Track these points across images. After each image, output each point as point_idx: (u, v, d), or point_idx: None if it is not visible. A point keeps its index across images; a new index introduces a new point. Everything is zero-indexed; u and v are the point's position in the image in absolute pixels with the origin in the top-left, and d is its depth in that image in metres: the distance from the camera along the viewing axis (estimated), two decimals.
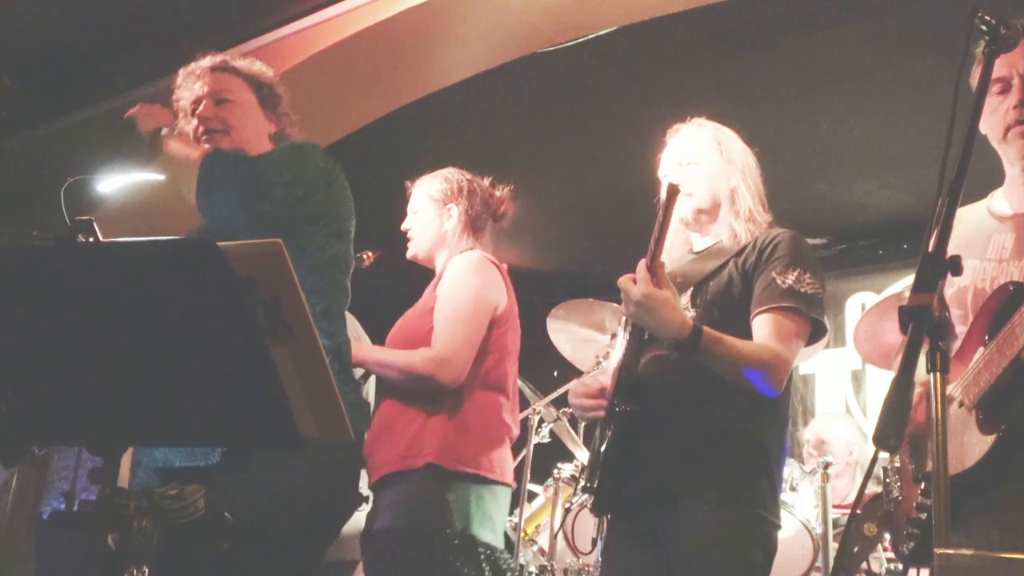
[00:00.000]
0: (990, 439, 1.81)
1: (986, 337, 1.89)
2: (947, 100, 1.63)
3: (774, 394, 2.23)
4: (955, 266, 1.54)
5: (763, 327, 2.24)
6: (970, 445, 1.84)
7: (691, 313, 2.32)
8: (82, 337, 1.48)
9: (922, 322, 1.47)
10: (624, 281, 2.21)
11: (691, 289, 2.37)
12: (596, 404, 2.33)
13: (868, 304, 5.88)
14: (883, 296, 5.75)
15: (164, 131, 2.38)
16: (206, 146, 2.36)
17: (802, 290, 2.24)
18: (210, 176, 2.23)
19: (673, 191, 2.23)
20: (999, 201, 2.11)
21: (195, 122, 2.45)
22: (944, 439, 1.43)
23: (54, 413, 1.59)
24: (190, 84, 2.48)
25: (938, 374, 1.47)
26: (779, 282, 2.25)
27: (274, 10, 4.63)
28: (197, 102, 2.46)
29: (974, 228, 2.08)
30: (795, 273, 2.25)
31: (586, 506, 2.48)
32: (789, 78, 4.74)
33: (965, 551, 1.42)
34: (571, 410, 2.50)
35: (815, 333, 2.30)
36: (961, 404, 1.90)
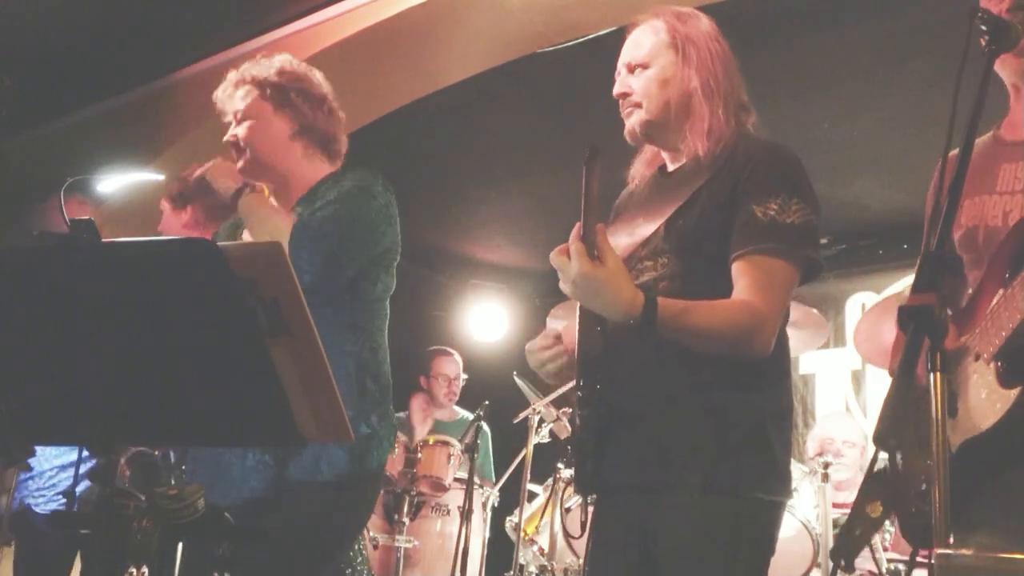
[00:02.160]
0: (1012, 393, 1.60)
1: (1007, 277, 1.68)
2: (947, 100, 1.62)
3: (761, 354, 1.90)
4: (956, 266, 1.54)
5: (742, 276, 1.89)
6: (988, 403, 1.64)
7: (662, 260, 2.00)
8: (82, 337, 1.48)
9: (922, 322, 1.45)
10: (556, 257, 1.85)
11: (663, 224, 2.02)
12: (554, 353, 2.05)
13: (868, 304, 5.88)
14: (883, 296, 5.75)
15: (246, 191, 2.41)
16: (281, 208, 2.41)
17: (788, 221, 1.87)
18: (298, 250, 2.21)
19: (593, 153, 1.84)
20: (1008, 128, 1.89)
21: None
22: (944, 439, 1.42)
23: (54, 413, 1.59)
24: (224, 101, 2.50)
25: (938, 374, 1.44)
26: (759, 215, 1.88)
27: (274, 10, 4.63)
28: (229, 124, 2.49)
29: (978, 161, 1.74)
30: (778, 200, 1.88)
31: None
32: (789, 78, 4.74)
33: (965, 551, 1.42)
34: (532, 365, 2.28)
35: (810, 270, 1.94)
36: (978, 357, 1.69)
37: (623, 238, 2.05)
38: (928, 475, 1.69)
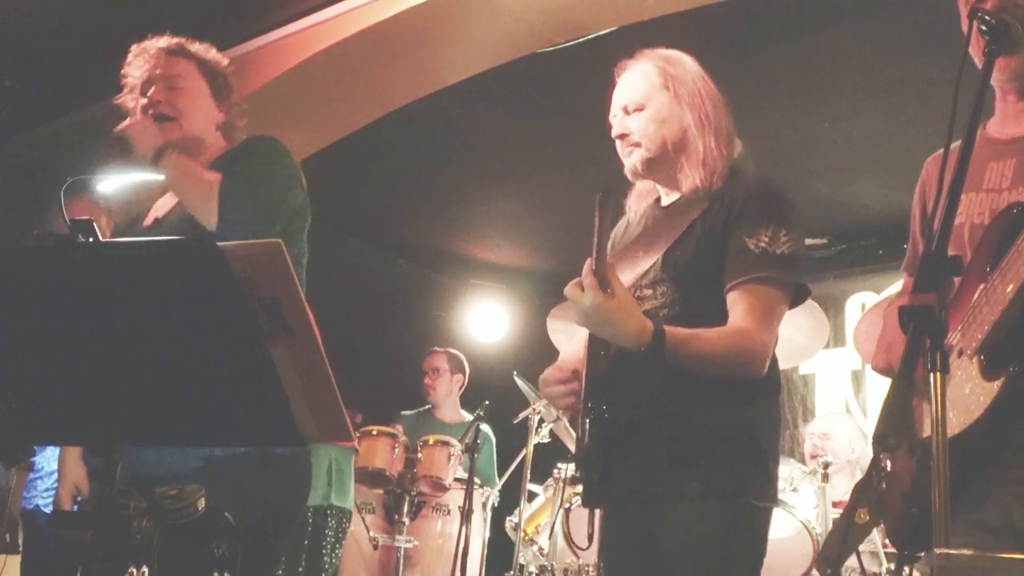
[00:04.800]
0: (995, 385, 1.59)
1: (988, 270, 1.68)
2: (947, 100, 1.62)
3: (757, 375, 2.06)
4: (956, 266, 1.53)
5: (737, 303, 2.04)
6: (972, 398, 1.63)
7: (661, 288, 2.15)
8: (82, 337, 1.48)
9: (922, 322, 1.45)
10: (571, 290, 2.02)
11: (661, 256, 2.17)
12: (568, 390, 2.19)
13: (868, 304, 5.89)
14: (883, 296, 5.75)
15: (169, 149, 2.32)
16: (204, 167, 2.31)
17: (778, 252, 2.03)
18: (229, 207, 2.19)
19: (607, 192, 2.05)
20: (995, 126, 1.93)
21: (143, 101, 2.40)
22: (944, 439, 1.41)
23: (54, 413, 1.59)
24: (141, 63, 2.43)
25: (938, 374, 1.42)
26: (751, 246, 2.04)
27: (274, 10, 4.63)
28: (148, 83, 2.41)
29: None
30: (768, 232, 2.04)
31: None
32: (789, 78, 4.74)
33: (965, 551, 1.42)
34: (544, 399, 2.41)
35: (798, 295, 2.12)
36: (961, 352, 1.69)
37: (626, 272, 2.19)
38: (913, 477, 1.73)
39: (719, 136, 2.20)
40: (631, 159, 2.23)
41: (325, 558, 4.03)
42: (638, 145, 2.21)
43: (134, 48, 2.46)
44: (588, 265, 2.01)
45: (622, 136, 2.23)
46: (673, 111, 2.20)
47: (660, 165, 2.22)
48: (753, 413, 2.10)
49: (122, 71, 2.47)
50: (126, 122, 2.38)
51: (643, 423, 2.09)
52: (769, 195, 2.11)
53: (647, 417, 2.09)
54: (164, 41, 2.45)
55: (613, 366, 2.08)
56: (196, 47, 2.47)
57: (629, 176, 2.26)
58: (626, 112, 2.23)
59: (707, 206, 2.13)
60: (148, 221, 2.47)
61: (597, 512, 2.30)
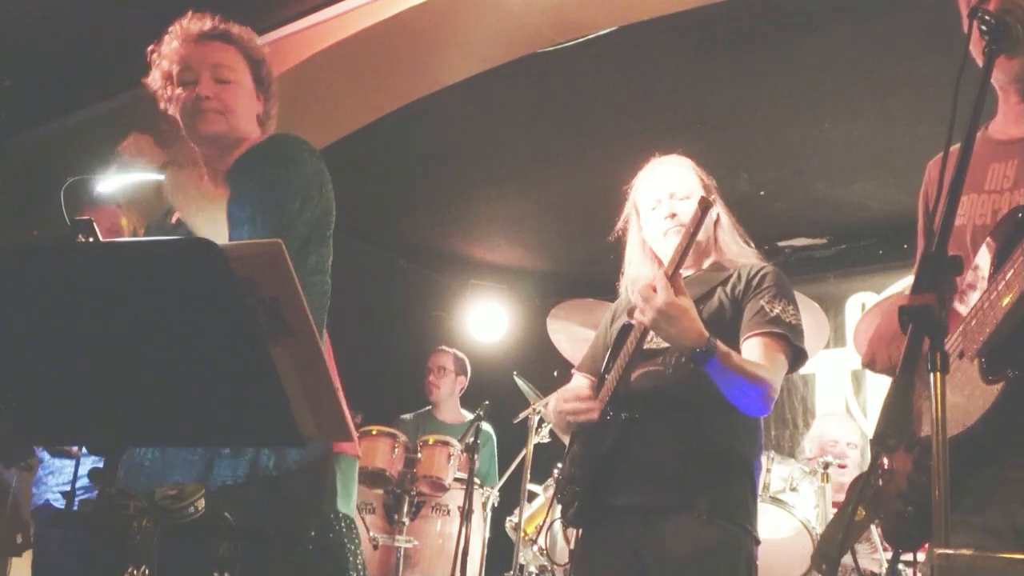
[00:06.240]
0: (995, 389, 1.61)
1: (991, 274, 1.70)
2: (947, 100, 1.62)
3: (764, 412, 2.37)
4: (956, 266, 1.53)
5: (754, 349, 2.36)
6: (973, 400, 1.65)
7: None
8: (82, 337, 1.48)
9: (922, 322, 1.45)
10: (645, 289, 2.27)
11: None
12: (589, 407, 2.41)
13: (868, 304, 5.88)
14: (883, 296, 5.75)
15: (172, 167, 2.28)
16: (207, 181, 2.24)
17: (787, 320, 2.39)
18: (237, 230, 2.12)
19: (708, 205, 2.30)
20: (997, 127, 1.94)
21: (179, 90, 2.29)
22: (944, 440, 1.41)
23: (55, 413, 1.59)
24: (179, 46, 2.30)
25: (938, 374, 1.42)
26: (768, 310, 2.40)
27: (274, 10, 4.63)
28: (188, 70, 2.29)
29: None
30: (781, 304, 2.41)
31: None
32: (789, 78, 4.74)
33: (965, 551, 1.41)
34: (554, 418, 2.58)
35: (796, 361, 2.44)
36: (962, 355, 1.71)
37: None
38: (909, 476, 1.76)
39: (735, 227, 2.62)
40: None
41: (349, 559, 3.98)
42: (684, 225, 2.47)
43: (172, 28, 2.31)
44: (662, 272, 2.29)
45: (672, 215, 2.52)
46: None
47: (703, 246, 2.56)
48: (751, 452, 2.42)
49: (152, 48, 2.33)
50: (126, 141, 2.34)
51: (659, 440, 2.35)
52: (780, 277, 2.50)
53: (664, 435, 2.36)
54: (207, 23, 2.31)
55: (637, 385, 2.41)
56: (238, 31, 2.34)
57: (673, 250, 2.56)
58: (672, 197, 2.55)
59: (727, 277, 2.51)
60: (173, 219, 2.39)
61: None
